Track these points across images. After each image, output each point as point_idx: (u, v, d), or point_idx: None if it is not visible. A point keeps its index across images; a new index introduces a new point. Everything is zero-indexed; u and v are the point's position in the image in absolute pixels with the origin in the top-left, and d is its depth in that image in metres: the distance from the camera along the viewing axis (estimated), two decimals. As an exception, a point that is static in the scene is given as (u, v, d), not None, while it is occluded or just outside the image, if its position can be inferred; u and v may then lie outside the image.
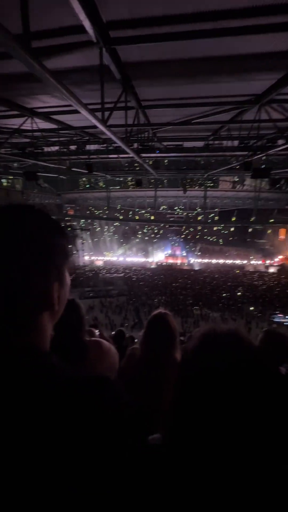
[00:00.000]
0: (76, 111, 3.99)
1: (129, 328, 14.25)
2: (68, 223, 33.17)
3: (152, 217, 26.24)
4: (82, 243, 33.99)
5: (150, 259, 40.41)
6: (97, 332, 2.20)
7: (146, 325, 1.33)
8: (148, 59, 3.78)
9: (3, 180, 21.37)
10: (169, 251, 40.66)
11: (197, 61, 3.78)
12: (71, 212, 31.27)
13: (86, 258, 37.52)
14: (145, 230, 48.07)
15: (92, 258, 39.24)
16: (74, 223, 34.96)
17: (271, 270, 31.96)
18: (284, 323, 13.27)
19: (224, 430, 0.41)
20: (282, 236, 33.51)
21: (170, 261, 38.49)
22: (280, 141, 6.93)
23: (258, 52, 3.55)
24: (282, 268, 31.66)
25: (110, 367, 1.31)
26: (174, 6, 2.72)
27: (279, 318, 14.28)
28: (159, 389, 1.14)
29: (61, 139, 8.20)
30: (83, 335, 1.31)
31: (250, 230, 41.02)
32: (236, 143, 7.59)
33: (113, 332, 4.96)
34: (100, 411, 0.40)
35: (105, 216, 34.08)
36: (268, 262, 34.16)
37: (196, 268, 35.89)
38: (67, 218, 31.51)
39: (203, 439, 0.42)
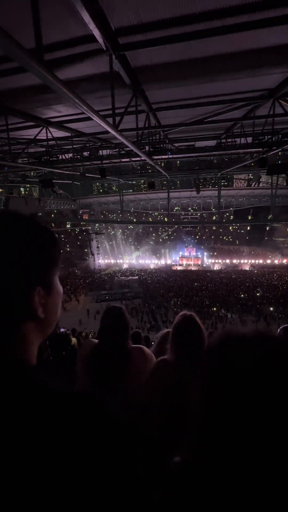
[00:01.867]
0: (88, 118, 4.09)
1: (145, 331, 14.23)
2: (83, 228, 33.93)
3: (166, 219, 26.15)
4: (98, 247, 34.60)
5: (165, 261, 40.26)
6: None
7: (173, 328, 1.29)
8: (157, 62, 3.81)
9: (22, 189, 22.25)
10: (184, 253, 40.29)
11: (206, 60, 3.75)
12: (86, 217, 31.94)
13: (102, 261, 38.12)
14: (159, 232, 48.00)
15: (107, 261, 39.77)
16: (89, 228, 35.71)
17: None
18: None
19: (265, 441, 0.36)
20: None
21: (185, 262, 38.11)
22: (297, 135, 6.69)
23: (268, 46, 3.47)
24: (303, 266, 30.31)
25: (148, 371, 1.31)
26: (181, 7, 2.73)
27: None
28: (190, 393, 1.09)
29: (74, 146, 8.42)
30: (128, 342, 1.33)
31: (267, 228, 39.70)
32: (249, 140, 7.41)
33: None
34: (79, 437, 0.35)
35: (119, 220, 34.48)
36: (286, 260, 32.87)
37: (212, 268, 35.25)
38: (82, 223, 32.23)
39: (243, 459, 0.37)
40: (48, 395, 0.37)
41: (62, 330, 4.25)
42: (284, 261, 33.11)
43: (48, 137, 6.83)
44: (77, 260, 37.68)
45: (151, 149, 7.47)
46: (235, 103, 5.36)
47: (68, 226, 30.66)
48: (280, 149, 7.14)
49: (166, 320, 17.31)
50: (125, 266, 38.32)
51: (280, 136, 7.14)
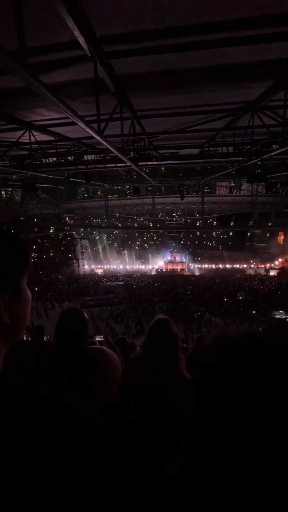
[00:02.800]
0: (73, 123, 4.08)
1: (131, 337, 14.10)
2: (68, 233, 33.36)
3: (151, 224, 26.37)
4: (82, 252, 34.10)
5: (150, 266, 40.40)
6: (99, 338, 2.21)
7: (147, 331, 1.33)
8: (142, 71, 3.89)
9: (2, 192, 21.60)
10: (169, 258, 40.67)
11: (189, 71, 3.89)
12: (71, 222, 31.46)
13: (86, 267, 37.54)
14: (144, 238, 48.25)
15: (92, 266, 39.24)
16: (74, 233, 35.18)
17: (271, 273, 31.93)
18: (287, 319, 13.59)
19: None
20: (281, 239, 33.61)
21: (170, 267, 38.46)
22: (274, 146, 7.05)
23: (248, 61, 3.66)
24: (282, 271, 31.62)
25: (114, 374, 1.30)
26: (164, 20, 2.82)
27: (280, 314, 14.63)
28: (162, 395, 1.13)
29: (58, 150, 8.33)
30: (86, 343, 1.30)
31: (249, 234, 41.19)
32: (231, 149, 7.71)
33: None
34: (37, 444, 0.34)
35: (104, 225, 34.28)
36: (267, 265, 34.16)
37: (197, 273, 35.82)
38: (66, 228, 31.69)
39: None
40: (12, 401, 0.37)
41: (46, 337, 4.11)
42: (267, 265, 34.40)
43: (32, 141, 6.71)
44: (61, 265, 36.82)
45: (136, 156, 7.56)
46: (216, 113, 5.58)
47: (52, 230, 29.99)
48: (259, 159, 7.48)
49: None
50: (110, 271, 38.01)
51: (259, 146, 7.49)
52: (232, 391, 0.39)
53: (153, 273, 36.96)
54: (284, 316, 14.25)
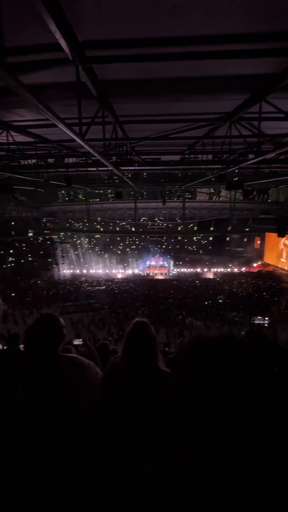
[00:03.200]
0: (53, 125, 4.00)
1: (113, 342, 13.89)
2: (47, 236, 32.40)
3: (133, 229, 26.41)
4: (62, 256, 33.24)
5: (132, 271, 40.31)
6: (77, 342, 2.18)
7: (126, 335, 1.33)
8: (124, 78, 3.93)
9: (-23, 194, 20.58)
10: (151, 262, 40.91)
11: (170, 81, 3.99)
12: (51, 225, 30.64)
13: (67, 271, 36.60)
14: (126, 242, 48.15)
15: (73, 271, 38.35)
16: (54, 236, 34.23)
17: (248, 277, 33.26)
18: (265, 325, 14.40)
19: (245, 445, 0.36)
20: (257, 244, 35.16)
21: (153, 271, 38.66)
22: (250, 156, 7.41)
23: (225, 74, 3.84)
24: (258, 274, 33.02)
25: (88, 382, 1.28)
26: (146, 31, 2.89)
27: (259, 320, 15.49)
28: (142, 397, 1.12)
29: (38, 152, 8.12)
30: (59, 351, 1.28)
31: (227, 239, 42.67)
32: (210, 157, 7.98)
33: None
34: None
35: (85, 229, 33.77)
36: (245, 269, 35.53)
37: (178, 277, 36.31)
38: (46, 231, 30.80)
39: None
40: None
41: (21, 346, 3.92)
42: (244, 269, 35.77)
43: (9, 141, 6.49)
44: (40, 270, 35.58)
45: (118, 160, 7.57)
46: (196, 122, 5.76)
47: (30, 234, 28.98)
48: (236, 167, 7.82)
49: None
50: (91, 275, 37.38)
51: (236, 155, 7.83)
52: (212, 386, 0.39)
53: (135, 277, 36.89)
54: (262, 322, 15.17)
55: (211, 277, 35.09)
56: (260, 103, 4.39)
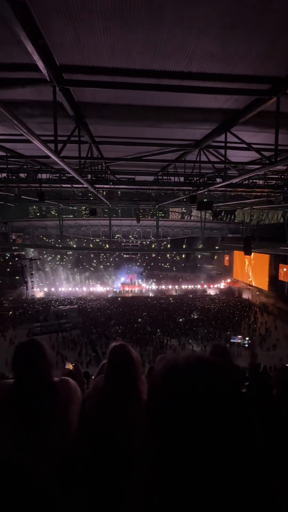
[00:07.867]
0: (27, 141, 3.97)
1: (84, 365, 13.14)
2: (15, 253, 30.70)
3: (107, 246, 26.27)
4: (32, 274, 31.52)
5: (105, 288, 39.49)
6: (68, 365, 2.10)
7: (107, 360, 1.29)
8: (100, 101, 4.09)
9: None
10: (125, 279, 40.59)
11: (145, 108, 4.25)
12: (20, 241, 29.20)
13: (37, 290, 34.61)
14: (100, 259, 47.50)
15: (43, 289, 36.41)
16: (23, 253, 32.56)
17: (219, 293, 34.56)
18: (244, 345, 15.16)
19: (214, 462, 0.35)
20: (226, 260, 36.99)
21: (127, 288, 38.27)
22: (218, 180, 8.00)
23: (195, 106, 4.20)
24: (228, 291, 34.47)
25: (77, 404, 1.28)
26: (122, 62, 3.09)
27: (237, 339, 16.39)
28: (125, 422, 1.07)
29: (9, 166, 7.90)
30: (51, 375, 1.24)
31: (199, 256, 44.35)
32: (182, 179, 8.46)
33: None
34: None
35: (57, 245, 32.73)
36: (215, 286, 36.89)
37: (152, 294, 36.34)
38: (14, 248, 29.21)
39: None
40: None
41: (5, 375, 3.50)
42: (215, 285, 37.09)
43: (-22, 154, 6.24)
44: (7, 289, 33.21)
45: (93, 178, 7.65)
46: (168, 147, 6.12)
47: (-4, 250, 27.26)
48: (206, 190, 8.36)
49: (106, 351, 16.49)
50: (63, 294, 35.75)
51: (205, 178, 8.40)
52: (182, 415, 0.38)
53: (109, 295, 36.12)
54: (239, 341, 15.79)
55: (184, 293, 35.72)
56: (226, 133, 4.84)
